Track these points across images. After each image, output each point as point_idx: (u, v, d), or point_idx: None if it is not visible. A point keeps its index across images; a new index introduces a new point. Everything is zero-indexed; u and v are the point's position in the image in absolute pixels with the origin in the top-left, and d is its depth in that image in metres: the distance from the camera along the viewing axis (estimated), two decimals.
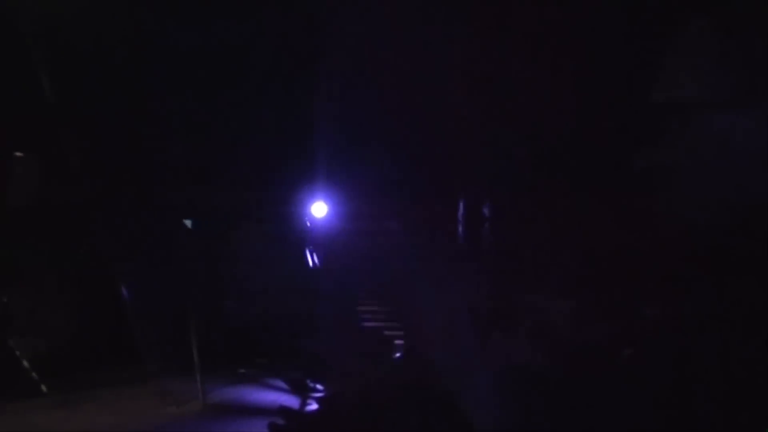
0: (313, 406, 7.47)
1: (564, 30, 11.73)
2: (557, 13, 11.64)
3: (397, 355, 7.28)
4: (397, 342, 8.48)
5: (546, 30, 11.94)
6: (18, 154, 11.39)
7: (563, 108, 12.03)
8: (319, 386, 8.62)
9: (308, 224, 13.83)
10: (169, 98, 11.53)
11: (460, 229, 13.36)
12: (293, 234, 13.57)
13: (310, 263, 13.57)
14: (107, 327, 10.87)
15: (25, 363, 10.21)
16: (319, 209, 14.06)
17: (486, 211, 13.00)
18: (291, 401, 8.57)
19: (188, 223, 11.95)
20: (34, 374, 10.12)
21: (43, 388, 9.98)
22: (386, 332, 9.40)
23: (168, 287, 10.42)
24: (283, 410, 7.12)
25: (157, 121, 11.43)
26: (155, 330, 10.29)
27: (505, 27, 12.42)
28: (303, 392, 8.86)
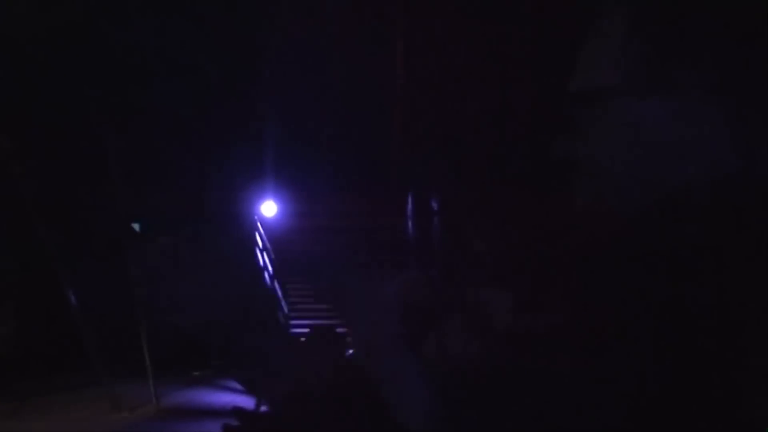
0: (266, 406, 7.49)
1: (482, 25, 11.96)
2: (478, 9, 11.88)
3: (350, 351, 7.34)
4: (350, 339, 8.55)
5: (467, 25, 12.15)
6: None
7: (486, 103, 12.23)
8: (270, 387, 8.63)
9: (258, 224, 13.84)
10: (114, 97, 11.43)
11: (404, 223, 13.50)
12: (243, 234, 13.55)
13: (261, 263, 13.58)
14: (55, 332, 10.74)
15: None
16: (268, 208, 14.07)
17: (433, 205, 13.14)
18: (245, 402, 8.56)
19: (136, 225, 11.86)
20: None
21: None
22: (338, 330, 9.42)
23: (117, 290, 10.33)
24: (237, 411, 7.12)
25: (103, 122, 11.30)
26: (105, 334, 10.20)
27: (429, 24, 12.62)
28: (256, 393, 8.85)
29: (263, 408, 7.37)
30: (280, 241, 13.69)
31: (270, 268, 13.42)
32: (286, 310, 12.83)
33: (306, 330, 9.84)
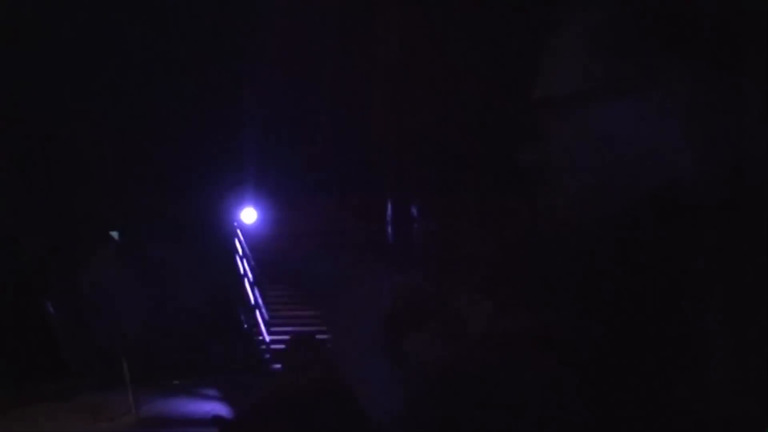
0: (247, 413, 7.46)
1: (458, 31, 12.08)
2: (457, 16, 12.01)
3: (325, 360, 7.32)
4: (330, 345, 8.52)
5: (446, 32, 12.25)
6: None
7: (466, 109, 12.33)
8: (251, 394, 8.59)
9: (238, 231, 13.80)
10: (91, 104, 11.37)
11: (384, 228, 13.52)
12: (223, 241, 13.51)
13: (241, 271, 13.55)
14: (33, 341, 10.65)
15: None
16: (248, 216, 14.04)
17: (413, 211, 13.17)
18: (225, 411, 8.53)
19: (115, 234, 11.79)
20: None
21: None
22: (318, 336, 9.41)
23: (95, 298, 10.27)
24: (217, 420, 7.09)
25: (79, 129, 11.23)
26: (84, 342, 10.13)
27: (410, 31, 12.70)
28: (236, 402, 8.82)
29: (244, 416, 7.34)
30: (260, 248, 13.66)
31: (250, 275, 13.39)
32: (267, 316, 12.81)
33: (287, 336, 9.81)
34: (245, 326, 12.68)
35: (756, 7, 1.18)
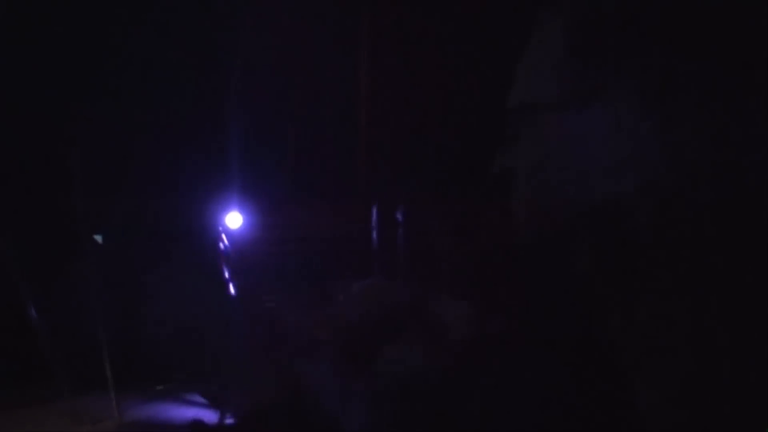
0: (230, 420, 7.42)
1: (440, 34, 12.14)
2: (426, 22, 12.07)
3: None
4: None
5: (427, 36, 12.31)
6: None
7: (447, 114, 12.39)
8: (234, 400, 8.56)
9: (223, 236, 13.73)
10: (72, 105, 11.29)
11: (369, 233, 13.53)
12: (208, 245, 13.44)
13: (226, 276, 13.48)
14: (14, 344, 10.55)
15: None
16: (233, 220, 13.97)
17: (398, 215, 13.18)
18: (208, 416, 8.50)
19: (98, 237, 11.70)
20: None
21: None
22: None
23: (77, 301, 10.20)
24: (199, 425, 7.05)
25: (61, 130, 11.14)
26: (66, 346, 10.05)
27: (392, 34, 12.75)
28: (220, 407, 8.78)
29: (226, 422, 7.30)
30: (245, 252, 13.60)
31: (235, 279, 13.33)
32: (251, 320, 12.74)
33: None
34: (229, 330, 12.62)
35: (730, 11, 1.15)
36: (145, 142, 12.15)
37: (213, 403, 9.61)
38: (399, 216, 13.12)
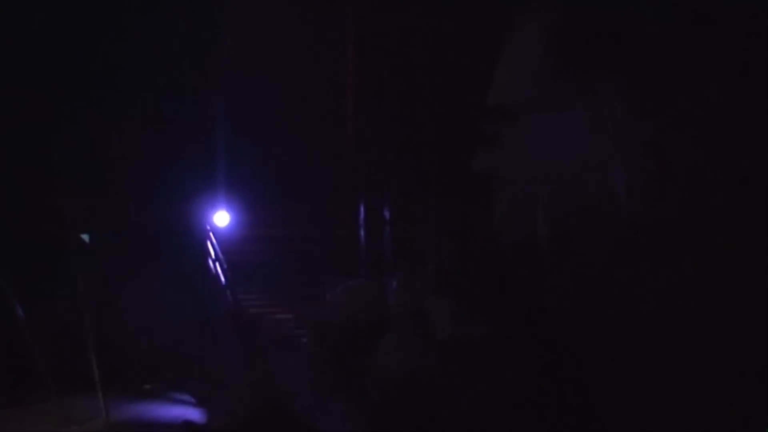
0: (218, 419, 7.44)
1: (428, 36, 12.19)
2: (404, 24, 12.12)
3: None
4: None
5: (416, 36, 12.35)
6: None
7: (436, 115, 12.43)
8: (221, 400, 8.58)
9: (210, 234, 13.75)
10: (58, 105, 11.28)
11: (357, 232, 13.57)
12: (195, 244, 13.45)
13: (213, 273, 13.50)
14: (1, 345, 10.54)
15: None
16: (221, 218, 13.99)
17: (385, 214, 13.23)
18: (196, 416, 8.50)
19: (85, 237, 11.71)
20: None
21: None
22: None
23: (64, 302, 10.19)
24: (188, 425, 7.07)
25: (47, 130, 11.13)
26: (53, 346, 10.04)
27: (381, 33, 12.80)
28: (207, 406, 8.79)
29: (214, 422, 7.33)
30: (233, 251, 13.63)
31: (223, 278, 13.35)
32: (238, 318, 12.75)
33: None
34: (215, 330, 12.63)
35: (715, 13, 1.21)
36: (132, 143, 12.16)
37: (200, 403, 9.63)
38: (385, 217, 13.18)
